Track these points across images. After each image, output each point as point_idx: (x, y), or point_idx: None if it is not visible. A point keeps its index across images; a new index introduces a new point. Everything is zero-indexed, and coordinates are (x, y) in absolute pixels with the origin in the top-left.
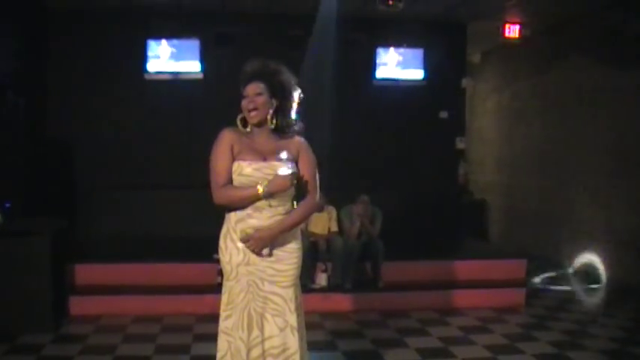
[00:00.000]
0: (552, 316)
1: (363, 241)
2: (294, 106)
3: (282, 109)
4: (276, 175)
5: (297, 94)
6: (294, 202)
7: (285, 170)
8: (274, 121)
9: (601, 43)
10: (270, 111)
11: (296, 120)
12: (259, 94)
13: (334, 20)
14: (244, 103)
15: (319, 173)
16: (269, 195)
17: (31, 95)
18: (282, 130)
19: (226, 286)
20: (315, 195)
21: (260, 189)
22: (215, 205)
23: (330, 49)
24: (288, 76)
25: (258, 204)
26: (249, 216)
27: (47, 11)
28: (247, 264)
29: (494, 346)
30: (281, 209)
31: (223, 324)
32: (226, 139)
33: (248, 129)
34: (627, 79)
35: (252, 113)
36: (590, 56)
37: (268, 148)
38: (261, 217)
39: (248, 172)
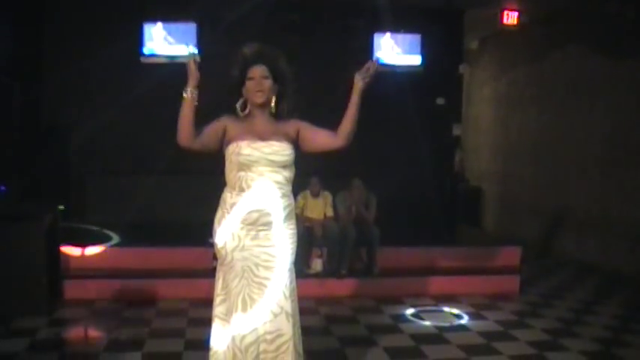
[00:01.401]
0: (546, 304)
1: (358, 227)
2: (292, 93)
3: (282, 95)
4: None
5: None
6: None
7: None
8: (275, 106)
9: (598, 33)
10: (273, 95)
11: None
12: (266, 77)
13: (330, 5)
14: (251, 84)
15: None
16: (192, 89)
17: (26, 80)
18: (280, 115)
19: (220, 271)
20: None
21: (183, 94)
22: (181, 147)
23: (328, 34)
24: (286, 62)
25: (256, 184)
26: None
27: None
28: (242, 249)
29: (488, 332)
30: (279, 192)
31: (217, 309)
32: (224, 119)
33: (246, 112)
34: (624, 69)
35: (259, 94)
36: (587, 45)
37: (266, 129)
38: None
39: (247, 151)
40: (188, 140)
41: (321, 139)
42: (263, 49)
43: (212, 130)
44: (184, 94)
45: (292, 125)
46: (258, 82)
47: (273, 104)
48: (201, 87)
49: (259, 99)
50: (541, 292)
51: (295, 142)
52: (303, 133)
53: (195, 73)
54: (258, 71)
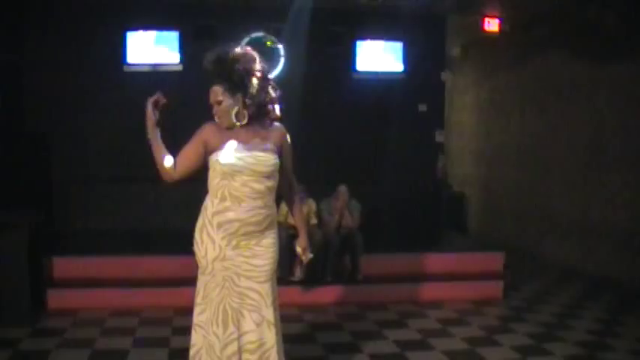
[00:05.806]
0: (530, 308)
1: (342, 234)
2: (256, 84)
3: (251, 98)
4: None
5: (259, 73)
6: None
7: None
8: (246, 116)
9: (579, 38)
10: (236, 108)
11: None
12: (219, 101)
13: (313, 13)
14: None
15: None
16: (152, 130)
17: (7, 88)
18: (260, 116)
19: (201, 280)
20: (296, 186)
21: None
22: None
23: (310, 41)
24: (245, 60)
25: (238, 195)
26: (227, 209)
27: (22, 2)
28: (223, 259)
29: (472, 338)
30: (260, 202)
31: (198, 318)
32: (204, 133)
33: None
34: (604, 73)
35: (217, 120)
36: (568, 50)
37: (250, 138)
38: (239, 210)
39: (231, 160)
40: (170, 176)
41: (282, 179)
42: (216, 61)
43: (192, 152)
44: (149, 137)
45: (278, 135)
46: (214, 109)
47: (241, 114)
48: (186, 96)
49: (222, 125)
50: (524, 296)
51: (279, 152)
52: (282, 152)
53: (151, 117)
54: (211, 95)
